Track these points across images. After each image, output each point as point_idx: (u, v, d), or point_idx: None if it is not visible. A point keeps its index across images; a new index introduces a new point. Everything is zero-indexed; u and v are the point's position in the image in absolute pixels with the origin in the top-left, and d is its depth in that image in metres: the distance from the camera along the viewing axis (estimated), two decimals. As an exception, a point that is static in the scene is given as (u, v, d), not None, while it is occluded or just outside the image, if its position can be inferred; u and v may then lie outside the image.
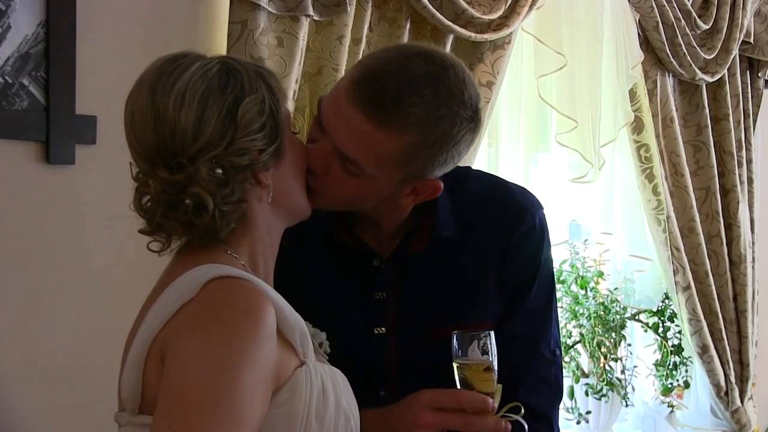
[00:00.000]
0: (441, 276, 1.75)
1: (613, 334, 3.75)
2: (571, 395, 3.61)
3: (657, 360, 3.94)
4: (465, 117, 1.57)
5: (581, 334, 3.71)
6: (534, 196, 1.85)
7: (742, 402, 3.86)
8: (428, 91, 1.53)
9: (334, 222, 1.74)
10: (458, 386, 1.60)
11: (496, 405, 1.58)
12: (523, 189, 1.87)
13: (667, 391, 3.97)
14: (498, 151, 3.19)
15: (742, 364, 3.88)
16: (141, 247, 1.52)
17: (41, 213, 2.40)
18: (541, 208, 1.83)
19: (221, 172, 1.43)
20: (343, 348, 1.64)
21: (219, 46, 2.54)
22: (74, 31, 2.38)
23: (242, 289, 1.38)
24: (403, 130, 1.53)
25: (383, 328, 1.74)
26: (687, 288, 3.69)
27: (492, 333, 1.60)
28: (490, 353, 1.59)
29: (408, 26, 2.81)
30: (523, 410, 1.61)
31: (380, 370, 1.74)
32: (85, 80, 2.40)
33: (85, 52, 2.40)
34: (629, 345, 3.83)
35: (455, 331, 1.61)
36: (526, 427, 1.61)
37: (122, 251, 2.42)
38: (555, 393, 1.82)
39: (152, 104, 1.43)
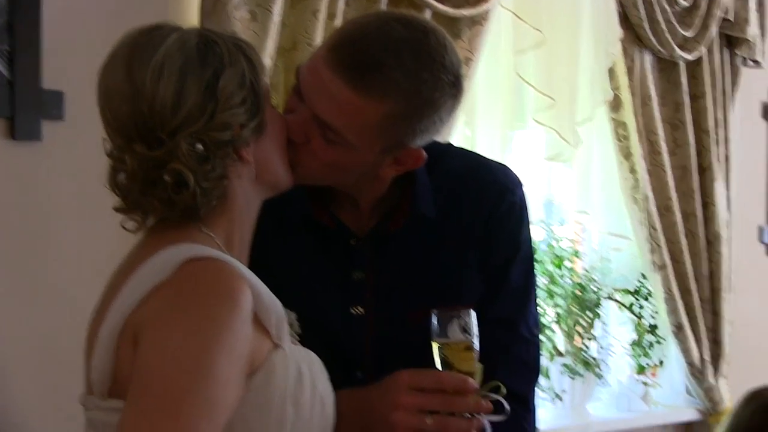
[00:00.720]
0: (420, 256, 1.71)
1: (589, 314, 3.74)
2: (546, 374, 3.60)
3: (632, 339, 3.95)
4: (446, 82, 1.54)
5: (557, 314, 3.70)
6: (514, 173, 1.82)
7: (715, 380, 3.87)
8: (409, 56, 1.50)
9: (311, 201, 1.70)
10: (438, 366, 1.57)
11: (478, 385, 1.55)
12: (504, 166, 1.84)
13: (641, 369, 3.98)
14: (474, 129, 3.16)
15: (716, 343, 3.89)
16: (111, 226, 1.48)
17: (6, 191, 2.35)
18: (522, 185, 1.81)
19: (202, 147, 1.39)
20: (319, 329, 1.61)
21: (190, 19, 2.49)
22: (38, 2, 2.32)
23: (219, 271, 1.35)
24: (384, 96, 1.50)
25: (361, 309, 1.70)
26: (663, 267, 3.69)
27: (472, 312, 1.58)
28: (470, 332, 1.56)
29: (385, 0, 2.77)
30: (504, 390, 1.57)
31: (357, 350, 1.71)
32: (51, 54, 2.35)
33: (50, 23, 2.34)
34: (604, 324, 3.83)
35: (435, 310, 1.58)
36: (508, 407, 1.58)
37: (91, 230, 2.38)
38: (533, 373, 1.80)
39: (128, 77, 1.38)
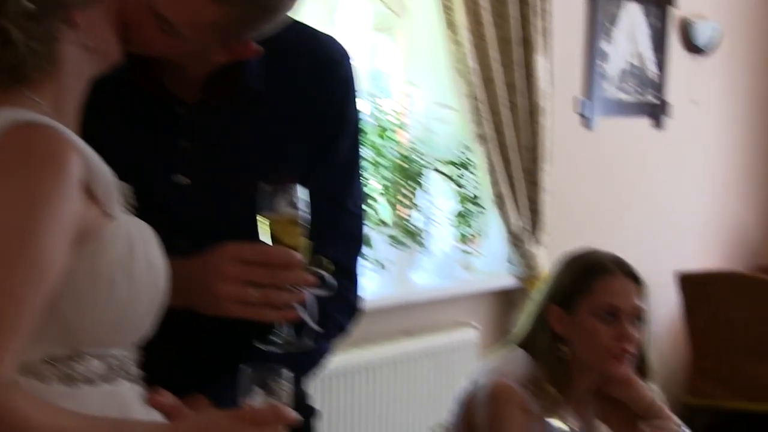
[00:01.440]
0: (249, 127, 1.69)
1: (413, 184, 3.79)
2: (371, 244, 3.64)
3: (454, 209, 4.02)
4: None
5: (382, 185, 3.73)
6: (342, 45, 1.81)
7: (534, 249, 4.00)
8: None
9: (134, 66, 1.63)
10: (265, 240, 1.56)
11: (303, 259, 1.55)
12: (332, 38, 1.82)
13: (464, 239, 4.08)
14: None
15: (535, 213, 4.01)
16: None
17: None
18: (350, 57, 1.79)
19: (31, 5, 1.33)
20: (144, 199, 1.57)
21: None
22: None
23: (46, 136, 1.30)
24: (229, 3, 1.47)
25: (186, 179, 1.67)
26: (486, 138, 3.75)
27: (299, 186, 1.56)
28: (296, 206, 1.56)
29: None
30: (332, 266, 1.59)
31: (182, 221, 1.68)
32: None
33: None
34: (428, 195, 3.88)
35: (262, 184, 1.56)
36: (334, 282, 1.59)
37: None
38: (357, 246, 1.82)
39: None
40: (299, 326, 1.59)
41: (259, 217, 1.56)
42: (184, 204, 1.68)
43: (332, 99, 1.74)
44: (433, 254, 3.96)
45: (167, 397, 1.48)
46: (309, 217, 1.58)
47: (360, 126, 1.82)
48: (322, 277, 1.58)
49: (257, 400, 1.43)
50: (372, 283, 3.64)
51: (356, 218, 1.80)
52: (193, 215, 1.68)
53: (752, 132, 5.57)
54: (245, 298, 1.54)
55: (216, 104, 1.68)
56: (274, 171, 1.64)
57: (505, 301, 4.04)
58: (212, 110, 1.68)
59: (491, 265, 4.12)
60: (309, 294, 1.57)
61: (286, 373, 1.45)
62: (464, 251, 4.08)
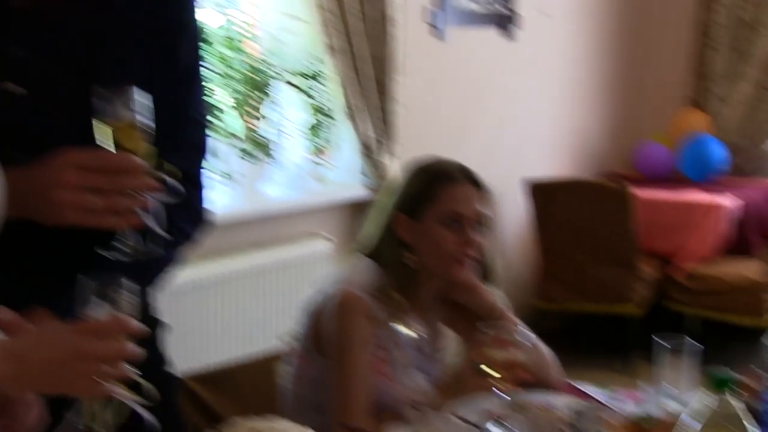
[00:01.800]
0: (82, 32, 1.63)
1: (261, 95, 3.76)
2: (218, 155, 3.61)
3: (306, 121, 4.02)
4: None
5: (233, 97, 3.69)
6: (180, -51, 1.76)
7: (386, 159, 4.04)
8: None
9: None
10: (105, 146, 1.52)
11: (147, 164, 1.53)
12: None
13: (316, 151, 4.08)
14: None
15: (387, 124, 4.04)
16: None
17: None
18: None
19: None
20: None
21: None
22: None
23: None
24: None
25: (20, 88, 1.61)
26: (336, 49, 3.74)
27: (137, 89, 1.52)
28: (134, 110, 1.52)
29: None
30: (179, 173, 1.56)
31: (17, 131, 1.62)
32: None
33: None
34: (280, 107, 3.86)
35: (98, 88, 1.51)
36: (179, 187, 1.58)
37: None
38: (202, 154, 1.80)
39: None
40: (144, 233, 1.58)
41: (97, 123, 1.52)
42: (19, 114, 1.62)
43: (168, 4, 1.70)
44: (285, 166, 3.96)
45: (4, 313, 1.44)
46: (152, 123, 1.55)
47: (200, 33, 1.79)
48: (165, 183, 1.56)
49: (100, 311, 1.41)
50: (223, 197, 3.62)
51: (200, 126, 1.78)
52: (28, 124, 1.63)
53: (598, 43, 5.70)
54: (86, 205, 1.50)
55: (47, 9, 1.62)
56: (112, 75, 1.60)
57: (358, 211, 4.07)
58: (44, 15, 1.62)
59: (343, 176, 4.15)
60: (153, 200, 1.55)
61: (128, 284, 1.43)
62: (316, 163, 4.09)
